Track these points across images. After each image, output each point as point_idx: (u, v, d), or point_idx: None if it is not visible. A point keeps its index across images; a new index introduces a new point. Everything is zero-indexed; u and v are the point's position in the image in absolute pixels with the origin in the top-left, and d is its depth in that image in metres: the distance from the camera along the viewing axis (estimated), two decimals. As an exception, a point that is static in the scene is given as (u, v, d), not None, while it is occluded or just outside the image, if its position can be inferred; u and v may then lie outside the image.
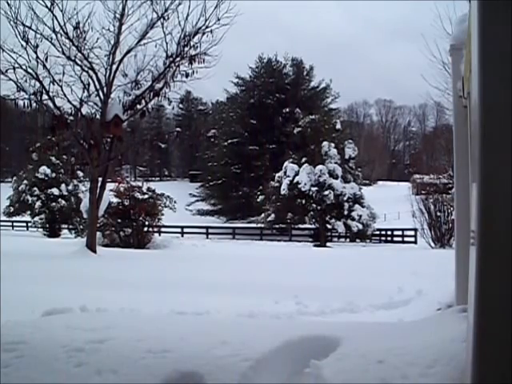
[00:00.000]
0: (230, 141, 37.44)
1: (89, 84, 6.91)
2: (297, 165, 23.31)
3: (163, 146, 53.41)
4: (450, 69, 1.72)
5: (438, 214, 13.13)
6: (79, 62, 6.79)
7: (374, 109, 73.41)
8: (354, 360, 1.09)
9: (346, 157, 24.91)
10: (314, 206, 22.58)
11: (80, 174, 21.51)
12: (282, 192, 22.80)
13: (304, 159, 23.34)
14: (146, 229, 12.16)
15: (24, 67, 6.58)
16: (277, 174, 24.31)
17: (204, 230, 24.84)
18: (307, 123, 26.33)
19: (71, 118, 6.98)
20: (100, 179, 6.98)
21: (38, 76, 6.64)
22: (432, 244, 12.91)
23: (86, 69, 6.82)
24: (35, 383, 1.13)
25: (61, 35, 6.69)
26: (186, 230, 25.44)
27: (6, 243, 6.20)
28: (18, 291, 2.70)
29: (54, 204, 21.97)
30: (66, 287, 3.06)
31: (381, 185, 51.41)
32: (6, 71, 6.50)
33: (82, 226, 18.06)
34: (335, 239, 24.23)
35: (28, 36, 6.59)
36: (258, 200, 26.27)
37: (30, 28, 6.60)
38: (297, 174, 22.98)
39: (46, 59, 6.68)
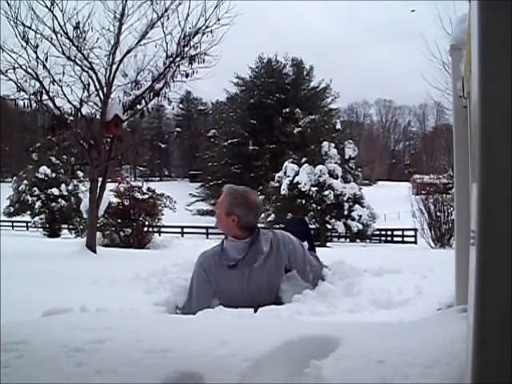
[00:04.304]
0: (230, 141, 37.50)
1: (89, 84, 6.88)
2: (297, 165, 23.32)
3: (163, 146, 53.42)
4: (450, 69, 1.71)
5: (438, 213, 13.13)
6: (79, 62, 6.77)
7: (374, 109, 73.59)
8: (354, 360, 1.09)
9: (346, 157, 24.94)
10: (314, 206, 22.59)
11: (80, 174, 21.52)
12: (282, 192, 22.82)
13: (304, 159, 23.37)
14: (146, 229, 12.17)
15: (24, 67, 6.56)
16: (277, 174, 24.33)
17: (204, 230, 24.85)
18: (307, 123, 26.36)
19: (71, 118, 6.96)
20: (100, 179, 6.95)
21: (38, 76, 6.61)
22: (432, 244, 12.91)
23: (86, 69, 6.80)
24: (35, 383, 1.13)
25: (61, 35, 6.67)
26: (186, 230, 25.46)
27: (6, 243, 6.19)
28: (18, 291, 2.69)
29: (54, 204, 21.99)
30: (66, 287, 3.05)
31: (381, 185, 51.44)
32: (6, 71, 6.48)
33: (82, 226, 18.08)
34: (335, 239, 24.26)
35: (28, 36, 6.57)
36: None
37: (30, 28, 6.58)
38: (297, 174, 22.99)
39: (46, 59, 6.65)
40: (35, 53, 6.58)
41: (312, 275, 2.79)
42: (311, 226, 22.84)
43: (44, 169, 22.03)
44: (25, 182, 22.90)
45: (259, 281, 2.72)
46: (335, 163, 23.14)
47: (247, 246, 2.73)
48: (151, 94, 7.17)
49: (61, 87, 6.71)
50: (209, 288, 2.73)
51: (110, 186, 9.51)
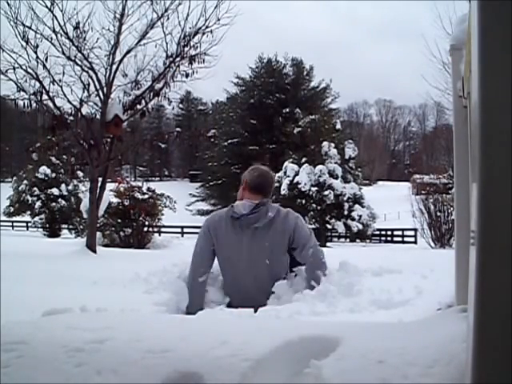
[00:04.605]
0: (230, 141, 37.50)
1: (89, 84, 6.87)
2: (297, 165, 23.33)
3: (163, 146, 53.43)
4: (450, 69, 1.71)
5: (438, 213, 13.14)
6: (79, 62, 6.76)
7: (374, 109, 73.68)
8: (354, 360, 1.09)
9: (346, 157, 24.94)
10: (314, 206, 22.58)
11: (80, 174, 21.50)
12: (282, 192, 22.81)
13: (304, 159, 23.37)
14: (146, 229, 12.17)
15: (24, 67, 6.55)
16: (277, 174, 24.32)
17: (204, 230, 24.74)
18: (307, 123, 26.36)
19: (71, 118, 6.95)
20: (100, 179, 6.95)
21: (38, 76, 6.60)
22: (432, 244, 12.92)
23: (86, 69, 6.79)
24: (35, 383, 1.13)
25: (61, 35, 6.65)
26: (186, 230, 25.45)
27: (6, 243, 6.19)
28: (18, 291, 2.69)
29: (54, 204, 21.99)
30: (66, 287, 3.05)
31: (381, 185, 51.47)
32: (6, 71, 6.47)
33: (82, 226, 18.07)
34: (335, 239, 24.25)
35: (28, 36, 6.55)
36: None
37: (30, 28, 6.56)
38: (297, 174, 22.99)
39: (46, 59, 6.64)
40: (35, 53, 6.57)
41: (312, 251, 2.85)
42: (311, 226, 22.86)
43: (44, 169, 22.04)
44: (25, 182, 22.90)
45: (260, 244, 2.84)
46: (335, 163, 23.14)
47: (254, 205, 2.90)
48: (151, 94, 7.17)
49: (61, 87, 6.70)
50: (209, 244, 2.95)
51: (110, 186, 9.51)
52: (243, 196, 3.03)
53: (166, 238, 14.04)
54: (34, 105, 6.86)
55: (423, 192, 18.27)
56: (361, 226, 22.64)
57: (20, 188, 22.95)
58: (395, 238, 23.62)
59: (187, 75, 7.24)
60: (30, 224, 23.37)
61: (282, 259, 2.88)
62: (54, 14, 6.60)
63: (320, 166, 22.59)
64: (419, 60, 17.15)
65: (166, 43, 7.03)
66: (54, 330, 1.38)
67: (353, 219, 22.68)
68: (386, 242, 23.90)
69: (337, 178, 22.84)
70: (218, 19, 7.10)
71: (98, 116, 7.00)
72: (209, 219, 3.05)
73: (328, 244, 21.09)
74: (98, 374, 1.12)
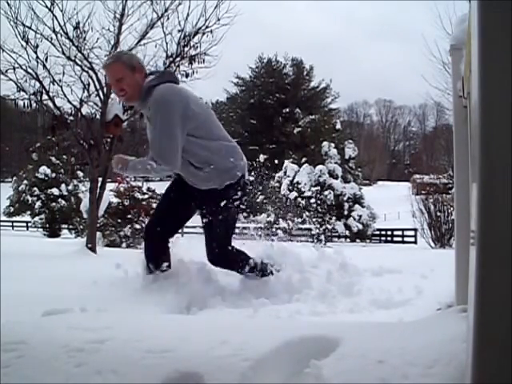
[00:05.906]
0: (229, 141, 37.51)
1: (89, 84, 6.86)
2: (297, 165, 23.34)
3: (163, 146, 53.30)
4: (450, 69, 1.71)
5: (438, 214, 13.14)
6: (79, 62, 6.76)
7: (374, 109, 73.62)
8: (354, 360, 1.09)
9: (346, 157, 24.96)
10: (314, 206, 22.58)
11: (80, 174, 21.51)
12: (282, 192, 22.82)
13: (304, 159, 23.40)
14: (146, 229, 12.16)
15: (24, 67, 6.55)
16: (277, 174, 24.32)
17: (204, 230, 24.71)
18: (307, 123, 26.40)
19: (71, 118, 6.94)
20: (100, 179, 6.95)
21: (38, 76, 6.60)
22: (432, 244, 12.92)
23: (86, 69, 6.78)
24: (35, 383, 1.13)
25: (61, 35, 6.65)
26: (186, 229, 25.41)
27: (6, 243, 6.19)
28: (18, 291, 2.69)
29: (54, 204, 22.01)
30: (66, 287, 3.05)
31: (381, 185, 51.46)
32: (6, 71, 6.47)
33: (82, 226, 18.07)
34: (335, 239, 24.24)
35: (28, 36, 6.55)
36: (258, 200, 26.33)
37: (30, 28, 6.56)
38: (297, 173, 23.00)
39: (46, 59, 6.63)
40: (35, 53, 6.56)
41: None
42: (311, 226, 22.91)
43: (44, 169, 22.06)
44: (25, 182, 22.93)
45: None
46: (335, 163, 23.15)
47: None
48: (151, 94, 7.15)
49: (61, 87, 6.69)
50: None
51: (110, 186, 9.50)
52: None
53: (166, 238, 14.01)
54: (34, 105, 6.85)
55: (423, 192, 18.28)
56: (361, 226, 22.64)
57: (20, 188, 22.98)
58: (395, 238, 23.59)
59: (187, 75, 7.23)
60: (30, 224, 23.36)
61: None
62: (54, 14, 6.59)
63: (320, 166, 22.60)
64: (419, 60, 17.18)
65: (166, 43, 7.02)
66: (53, 330, 1.38)
67: (353, 219, 22.69)
68: (386, 241, 23.87)
69: (337, 178, 22.84)
70: (218, 19, 7.09)
71: (98, 116, 6.99)
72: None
73: (328, 244, 21.07)
74: (98, 373, 1.12)
